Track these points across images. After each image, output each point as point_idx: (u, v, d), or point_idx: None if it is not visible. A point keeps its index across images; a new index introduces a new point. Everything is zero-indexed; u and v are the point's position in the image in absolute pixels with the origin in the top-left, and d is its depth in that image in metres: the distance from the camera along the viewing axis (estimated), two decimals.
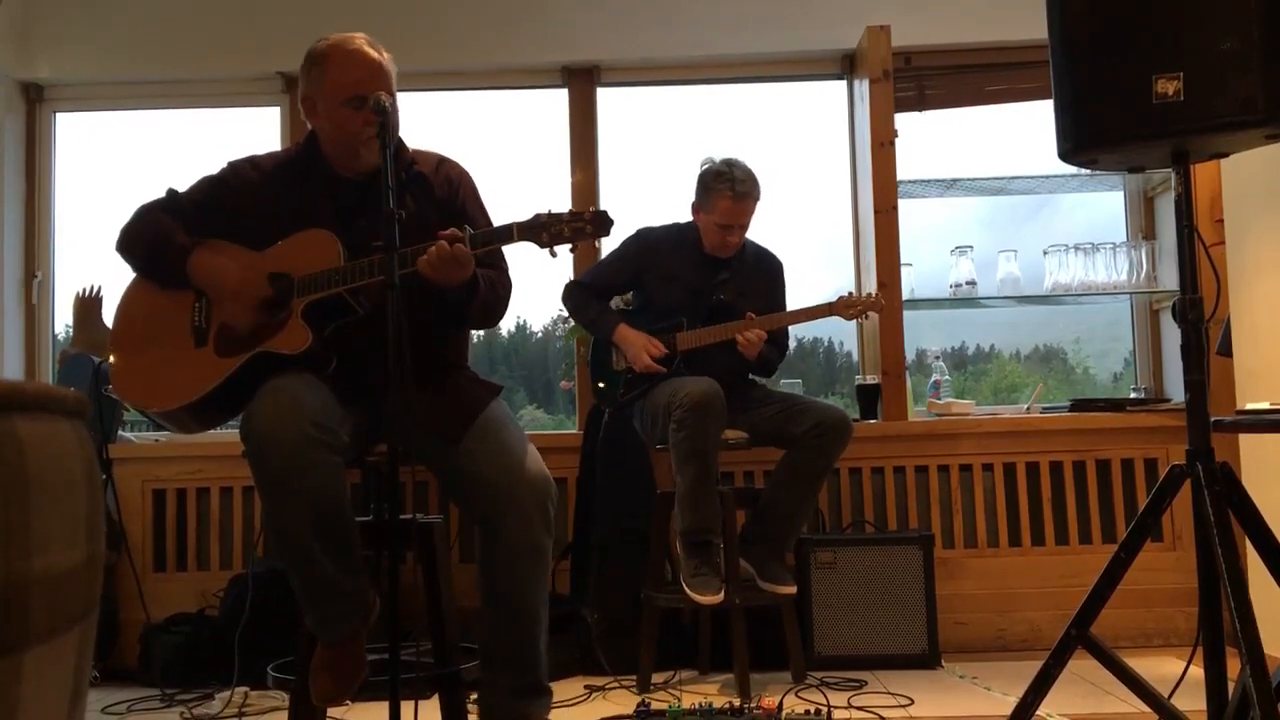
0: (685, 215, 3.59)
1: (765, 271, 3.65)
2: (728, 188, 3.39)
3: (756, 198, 3.45)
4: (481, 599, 2.39)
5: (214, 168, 2.58)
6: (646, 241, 3.61)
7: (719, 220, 3.44)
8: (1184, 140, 1.99)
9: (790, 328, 3.63)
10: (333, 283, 2.34)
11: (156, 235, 2.49)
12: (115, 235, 2.55)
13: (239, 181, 2.54)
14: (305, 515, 2.17)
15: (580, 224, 2.31)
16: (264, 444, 2.15)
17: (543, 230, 2.30)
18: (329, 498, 2.19)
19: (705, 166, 3.51)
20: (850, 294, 3.49)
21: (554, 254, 2.31)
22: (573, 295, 3.65)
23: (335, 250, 2.37)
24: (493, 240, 2.36)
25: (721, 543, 3.25)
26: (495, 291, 2.50)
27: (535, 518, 2.32)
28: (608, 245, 4.16)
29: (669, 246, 3.57)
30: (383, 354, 2.06)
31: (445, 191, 2.56)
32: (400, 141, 2.50)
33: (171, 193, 2.56)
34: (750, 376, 3.60)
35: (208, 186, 2.56)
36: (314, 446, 2.16)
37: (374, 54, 2.43)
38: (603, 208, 2.34)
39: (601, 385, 3.61)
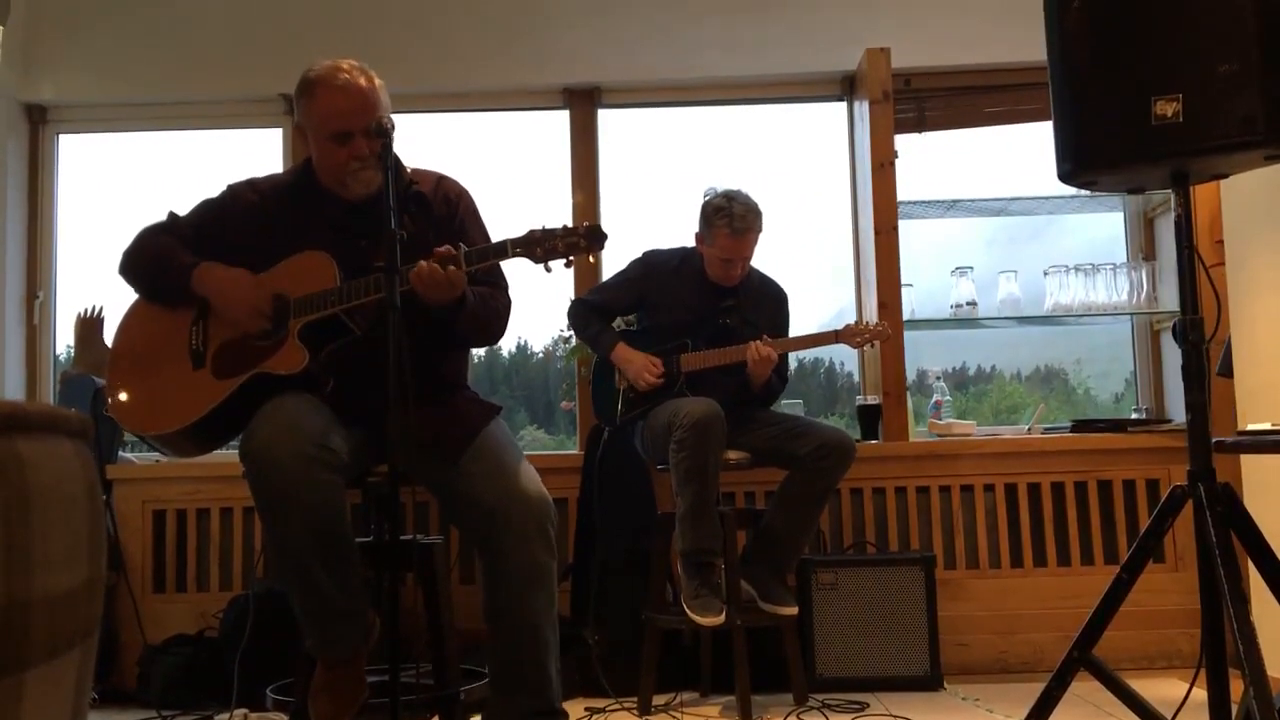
0: (688, 237, 3.60)
1: (770, 300, 3.64)
2: (726, 224, 3.38)
3: (758, 230, 3.44)
4: (486, 621, 2.37)
5: (215, 190, 2.59)
6: (653, 264, 3.61)
7: (719, 254, 3.44)
8: (1184, 161, 1.99)
9: (791, 353, 3.63)
10: (329, 303, 2.34)
11: (158, 253, 2.49)
12: (117, 259, 2.56)
13: (238, 205, 2.54)
14: (306, 535, 2.16)
15: (574, 238, 2.30)
16: (264, 464, 2.15)
17: (537, 245, 2.30)
18: (329, 518, 2.19)
19: (708, 197, 3.50)
20: (857, 322, 3.48)
21: (549, 269, 2.30)
22: (577, 312, 3.66)
23: (331, 271, 2.37)
24: (488, 256, 2.36)
25: (722, 564, 3.24)
26: (487, 305, 2.48)
27: (534, 539, 2.31)
28: (607, 261, 4.19)
29: (675, 270, 3.58)
30: (381, 374, 2.05)
31: (444, 210, 2.55)
32: (398, 161, 2.50)
33: (172, 216, 2.57)
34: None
35: (206, 210, 2.57)
36: (314, 466, 2.16)
37: (361, 83, 2.39)
38: (596, 223, 2.33)
39: (602, 405, 3.61)
